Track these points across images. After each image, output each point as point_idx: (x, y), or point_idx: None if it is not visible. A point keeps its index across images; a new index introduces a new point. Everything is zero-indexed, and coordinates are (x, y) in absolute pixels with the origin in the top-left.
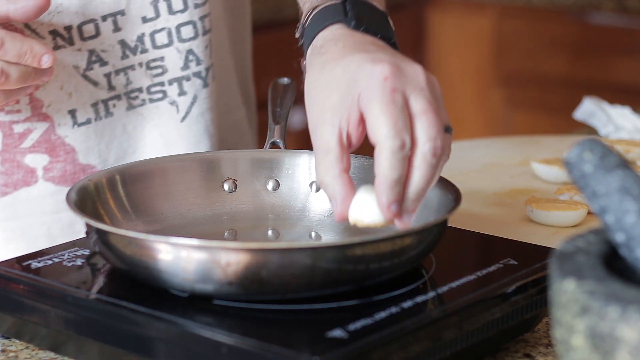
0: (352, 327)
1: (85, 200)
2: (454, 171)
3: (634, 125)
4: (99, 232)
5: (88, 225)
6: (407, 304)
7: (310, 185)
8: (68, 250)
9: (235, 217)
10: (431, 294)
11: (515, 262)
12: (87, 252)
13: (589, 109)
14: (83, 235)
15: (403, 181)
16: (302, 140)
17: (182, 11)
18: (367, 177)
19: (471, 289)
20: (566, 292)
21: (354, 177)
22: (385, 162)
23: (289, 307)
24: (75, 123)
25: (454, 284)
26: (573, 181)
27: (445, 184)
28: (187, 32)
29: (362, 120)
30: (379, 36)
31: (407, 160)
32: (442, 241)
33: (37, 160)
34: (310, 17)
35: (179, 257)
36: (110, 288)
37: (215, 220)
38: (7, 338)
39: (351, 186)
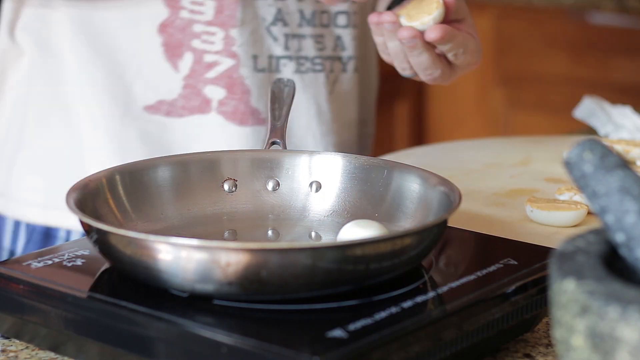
0: (352, 327)
1: (85, 200)
2: (454, 171)
3: (634, 125)
4: (99, 232)
5: (88, 225)
6: (407, 304)
7: (310, 185)
8: (68, 250)
9: (235, 217)
10: (431, 294)
11: (515, 262)
12: (87, 252)
13: (589, 108)
14: None
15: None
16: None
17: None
18: (367, 177)
19: (471, 289)
20: (566, 292)
21: (354, 177)
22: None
23: (289, 307)
24: (255, 68)
25: (454, 284)
26: (573, 181)
27: (445, 184)
28: (341, 20)
29: None
30: None
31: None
32: (442, 241)
33: (215, 92)
34: None
35: (179, 257)
36: (110, 288)
37: (215, 220)
38: (7, 338)
39: None
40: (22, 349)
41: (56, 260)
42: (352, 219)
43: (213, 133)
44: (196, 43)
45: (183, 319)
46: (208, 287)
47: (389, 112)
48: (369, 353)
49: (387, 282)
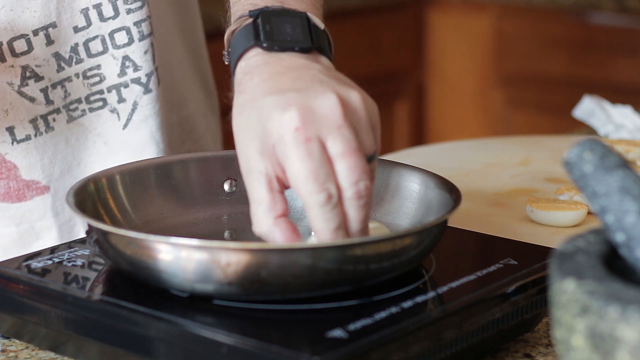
0: (352, 327)
1: (85, 200)
2: (454, 171)
3: (635, 125)
4: (99, 232)
5: (89, 225)
6: (407, 304)
7: None
8: (68, 250)
9: (235, 217)
10: (431, 294)
11: (515, 262)
12: (87, 252)
13: (589, 108)
14: (35, 248)
15: (343, 224)
16: None
17: (114, 17)
18: None
19: (471, 289)
20: (566, 292)
21: None
22: (318, 217)
23: (289, 307)
24: (14, 140)
25: (454, 284)
26: (573, 181)
27: (445, 184)
28: (120, 38)
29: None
30: (297, 49)
31: (339, 206)
32: (442, 241)
33: None
34: (230, 44)
35: (179, 257)
36: (110, 288)
37: (215, 220)
38: (7, 338)
39: (291, 229)
40: (22, 349)
41: (56, 260)
42: None
43: None
44: None
45: (183, 319)
46: (208, 287)
47: (389, 112)
48: (369, 353)
49: (387, 282)
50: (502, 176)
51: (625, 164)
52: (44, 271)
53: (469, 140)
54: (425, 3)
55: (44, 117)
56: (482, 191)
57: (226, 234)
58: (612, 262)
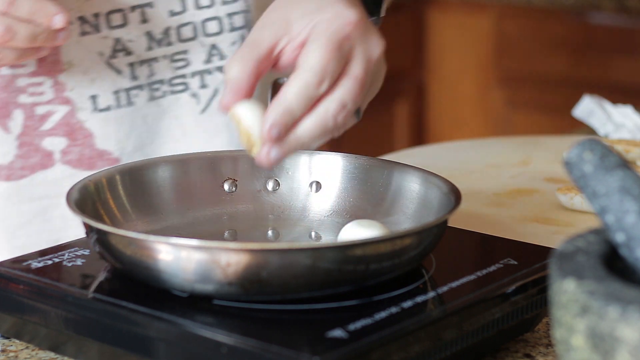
0: (352, 327)
1: (85, 200)
2: (454, 171)
3: (635, 124)
4: (99, 232)
5: (88, 226)
6: (407, 304)
7: (310, 185)
8: (68, 250)
9: (235, 217)
10: (431, 294)
11: (515, 262)
12: (87, 252)
13: (589, 107)
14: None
15: (297, 117)
16: None
17: (209, 6)
18: (367, 177)
19: (471, 289)
20: (566, 292)
21: (354, 177)
22: (294, 88)
23: (289, 307)
24: (95, 108)
25: (454, 284)
26: (573, 181)
27: (445, 184)
28: (212, 27)
29: (302, 47)
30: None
31: (312, 102)
32: (442, 241)
33: (55, 143)
34: None
35: (179, 258)
36: (110, 288)
37: (215, 220)
38: (7, 338)
39: (251, 82)
40: (22, 349)
41: (56, 260)
42: (352, 219)
43: (62, 185)
44: (23, 98)
45: (183, 319)
46: (208, 288)
47: (389, 112)
48: (369, 353)
49: (387, 282)
50: (502, 176)
51: (625, 164)
52: (44, 271)
53: (469, 140)
54: (425, 3)
55: (127, 91)
56: (482, 191)
57: (226, 234)
58: (612, 262)
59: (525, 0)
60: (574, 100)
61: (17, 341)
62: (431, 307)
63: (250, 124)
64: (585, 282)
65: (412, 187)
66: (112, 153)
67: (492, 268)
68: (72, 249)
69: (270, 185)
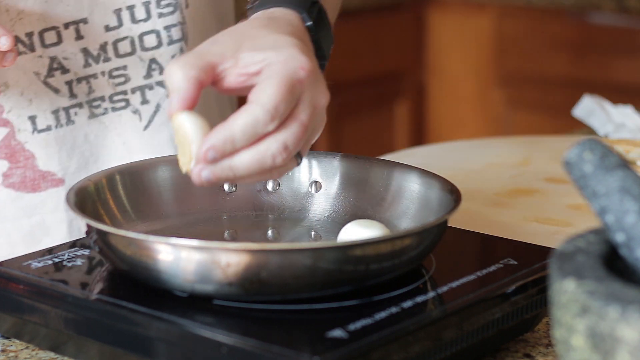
0: (352, 327)
1: (85, 200)
2: (454, 171)
3: (635, 124)
4: (99, 232)
5: (88, 226)
6: (407, 304)
7: (310, 185)
8: (68, 250)
9: (235, 217)
10: (431, 294)
11: (515, 262)
12: (87, 252)
13: (589, 107)
14: (43, 244)
15: (237, 148)
16: None
17: (145, 20)
18: (367, 177)
19: (471, 289)
20: (566, 292)
21: (354, 177)
22: (243, 120)
23: (289, 307)
24: (35, 129)
25: (454, 284)
26: (573, 181)
27: (445, 184)
28: (150, 41)
29: (249, 77)
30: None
31: (256, 137)
32: (442, 241)
33: None
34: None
35: (179, 258)
36: (110, 288)
37: (215, 221)
38: (7, 338)
39: (194, 89)
40: (22, 349)
41: (56, 260)
42: (352, 219)
43: (5, 209)
44: None
45: (183, 319)
46: (208, 288)
47: (389, 112)
48: (369, 353)
49: (387, 282)
50: (502, 176)
51: (625, 164)
52: (44, 271)
53: (469, 140)
54: (425, 3)
55: (66, 110)
56: (482, 191)
57: (226, 234)
58: (612, 262)
59: (525, 0)
60: (574, 100)
61: (17, 341)
62: (431, 307)
63: (190, 138)
64: (585, 282)
65: (412, 187)
66: (56, 174)
67: (492, 268)
68: (72, 249)
69: (270, 185)
